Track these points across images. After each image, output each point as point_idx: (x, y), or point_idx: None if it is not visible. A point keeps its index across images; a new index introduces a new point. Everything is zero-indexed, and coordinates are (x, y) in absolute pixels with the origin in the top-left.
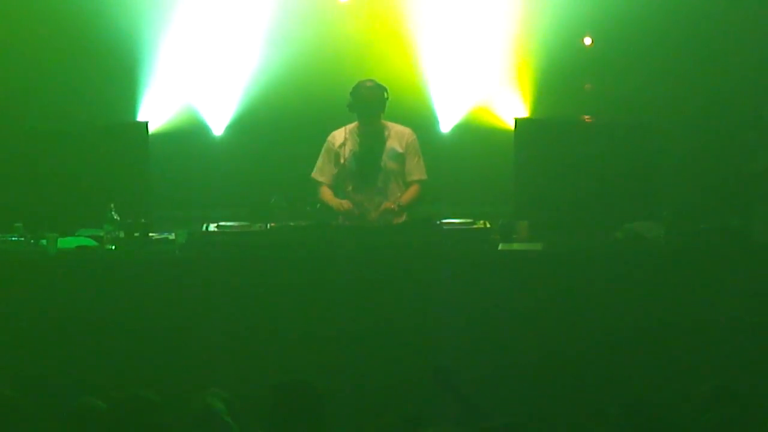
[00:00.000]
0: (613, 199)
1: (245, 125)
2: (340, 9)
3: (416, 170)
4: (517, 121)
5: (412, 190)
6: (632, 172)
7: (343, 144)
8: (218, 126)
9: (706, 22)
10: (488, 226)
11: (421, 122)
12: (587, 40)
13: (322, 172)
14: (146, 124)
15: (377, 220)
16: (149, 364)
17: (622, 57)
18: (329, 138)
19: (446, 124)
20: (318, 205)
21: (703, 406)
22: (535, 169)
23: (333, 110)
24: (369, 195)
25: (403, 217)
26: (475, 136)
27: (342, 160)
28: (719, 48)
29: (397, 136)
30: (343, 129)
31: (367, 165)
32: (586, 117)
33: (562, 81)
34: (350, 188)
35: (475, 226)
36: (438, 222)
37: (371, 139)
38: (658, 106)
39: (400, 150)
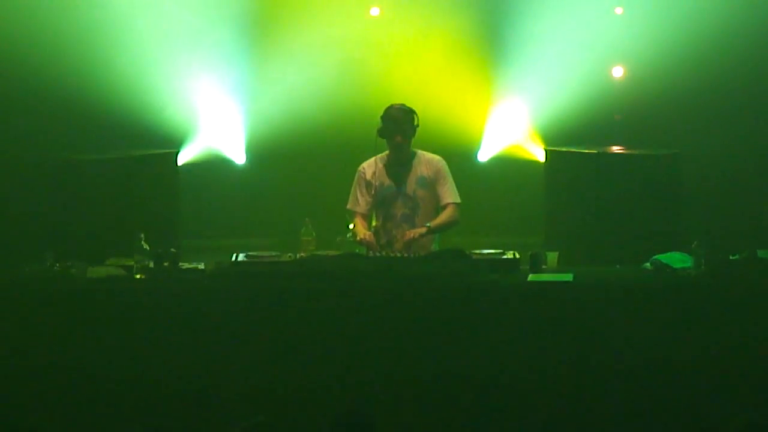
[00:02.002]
0: (643, 229)
1: (270, 155)
2: (371, 29)
3: (449, 194)
4: (547, 152)
5: (446, 213)
6: (661, 203)
7: (374, 173)
8: (239, 156)
9: (735, 53)
10: (517, 256)
11: (460, 150)
12: (617, 71)
13: (356, 202)
14: (176, 153)
15: (402, 249)
16: (178, 394)
17: (652, 88)
18: (360, 169)
19: (485, 154)
20: (348, 235)
21: None
22: (565, 199)
23: (362, 139)
24: (397, 222)
25: (432, 241)
26: (509, 168)
27: (373, 190)
28: (749, 77)
29: (426, 163)
30: (373, 159)
31: (396, 193)
32: (616, 148)
33: (592, 113)
34: (380, 217)
35: (504, 257)
36: (467, 252)
37: (400, 167)
38: (687, 137)
39: (428, 177)
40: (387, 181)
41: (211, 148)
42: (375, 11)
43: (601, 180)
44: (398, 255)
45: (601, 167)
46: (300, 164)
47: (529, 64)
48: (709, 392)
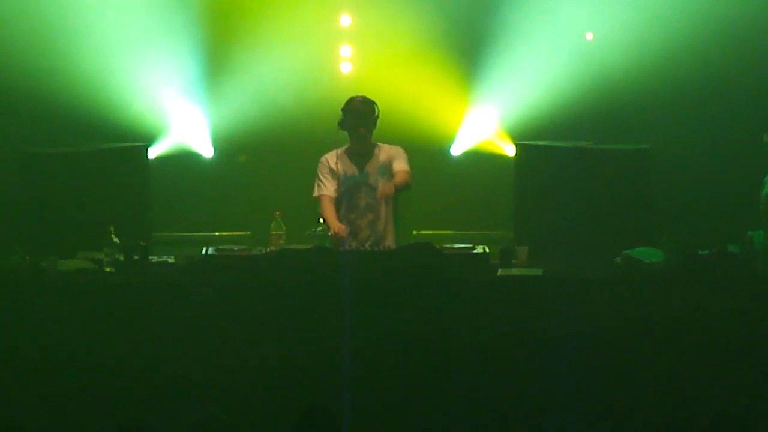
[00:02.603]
0: (612, 224)
1: (240, 148)
2: (342, 31)
3: (403, 165)
4: (517, 146)
5: (400, 175)
6: (631, 197)
7: (337, 163)
8: (206, 149)
9: (705, 49)
10: (488, 251)
11: (433, 145)
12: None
13: (323, 187)
14: (146, 146)
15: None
16: (148, 387)
17: (622, 84)
18: (321, 160)
19: (458, 148)
20: (319, 228)
21: None
22: (535, 194)
23: (332, 132)
24: (360, 213)
25: (393, 232)
26: (482, 162)
27: (337, 179)
28: (718, 74)
29: (386, 152)
30: (333, 152)
31: (359, 183)
32: (586, 143)
33: (564, 106)
34: (342, 208)
35: (474, 251)
36: (437, 247)
37: (362, 157)
38: (656, 132)
39: (387, 163)
40: (350, 170)
41: (180, 142)
42: (346, 20)
43: (571, 174)
44: (368, 249)
45: (571, 162)
46: (269, 158)
47: (502, 64)
48: (681, 384)
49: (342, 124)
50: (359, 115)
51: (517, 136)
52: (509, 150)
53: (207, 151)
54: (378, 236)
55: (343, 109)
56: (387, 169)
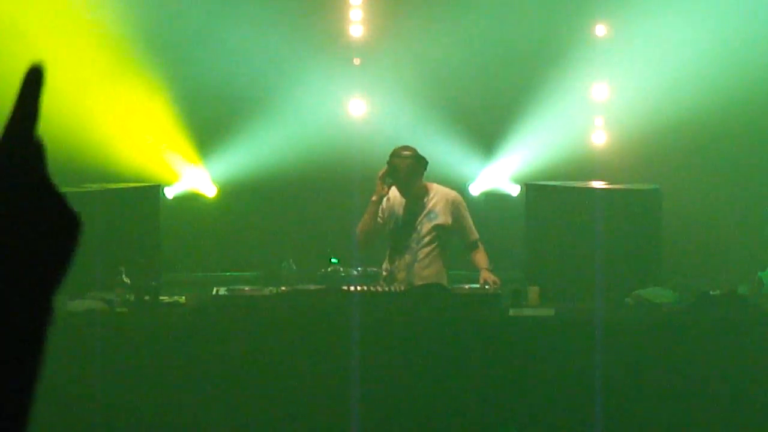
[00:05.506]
0: (623, 264)
1: (250, 188)
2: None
3: (473, 230)
4: (527, 186)
5: (482, 251)
6: (642, 237)
7: (389, 200)
8: (209, 189)
9: (715, 89)
10: (499, 291)
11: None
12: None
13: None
14: (160, 186)
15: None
16: (158, 428)
17: (633, 124)
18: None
19: (477, 188)
20: (329, 269)
21: None
22: (546, 234)
23: (343, 171)
24: (400, 254)
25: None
26: (495, 203)
27: (380, 218)
28: (729, 114)
29: (442, 199)
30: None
31: (404, 227)
32: (597, 183)
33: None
34: (389, 248)
35: (485, 292)
36: (448, 287)
37: (411, 201)
38: (668, 171)
39: (442, 214)
40: (399, 214)
41: (187, 184)
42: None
43: (581, 214)
44: (379, 290)
45: (581, 202)
46: (280, 198)
47: (513, 119)
48: (690, 425)
49: (384, 179)
50: (402, 177)
51: (529, 178)
52: (514, 190)
53: (209, 191)
54: (414, 279)
55: (388, 162)
56: (438, 215)
